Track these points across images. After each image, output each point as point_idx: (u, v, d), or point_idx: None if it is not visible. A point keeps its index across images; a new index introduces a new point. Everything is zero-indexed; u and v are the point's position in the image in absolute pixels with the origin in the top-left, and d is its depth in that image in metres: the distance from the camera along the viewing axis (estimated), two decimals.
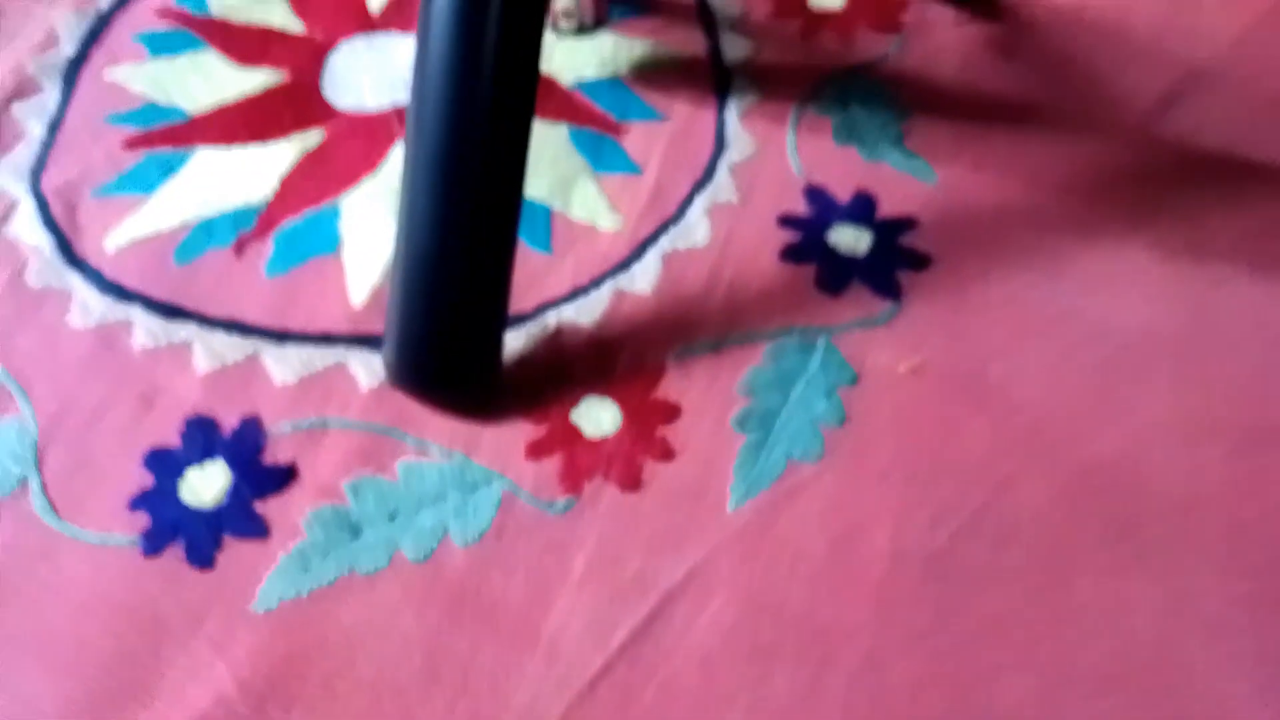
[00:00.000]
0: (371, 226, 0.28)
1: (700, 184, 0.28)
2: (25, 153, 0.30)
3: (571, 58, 0.30)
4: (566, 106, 0.30)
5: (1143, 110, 0.29)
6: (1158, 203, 0.26)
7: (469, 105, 0.22)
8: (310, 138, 0.30)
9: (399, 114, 0.30)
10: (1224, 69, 0.30)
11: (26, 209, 0.29)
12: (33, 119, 0.31)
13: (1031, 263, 0.25)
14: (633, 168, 0.28)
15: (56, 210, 0.29)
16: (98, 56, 0.33)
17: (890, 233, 0.26)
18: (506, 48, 0.22)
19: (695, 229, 0.27)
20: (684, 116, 0.30)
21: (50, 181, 0.30)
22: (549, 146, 0.28)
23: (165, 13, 0.34)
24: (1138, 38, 0.31)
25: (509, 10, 0.22)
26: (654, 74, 0.31)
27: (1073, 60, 0.30)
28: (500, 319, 0.23)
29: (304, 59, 0.32)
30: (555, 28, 0.30)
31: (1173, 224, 0.26)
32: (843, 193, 0.27)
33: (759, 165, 0.28)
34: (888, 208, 0.27)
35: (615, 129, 0.29)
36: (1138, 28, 0.31)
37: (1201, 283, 0.25)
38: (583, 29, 0.30)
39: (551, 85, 0.30)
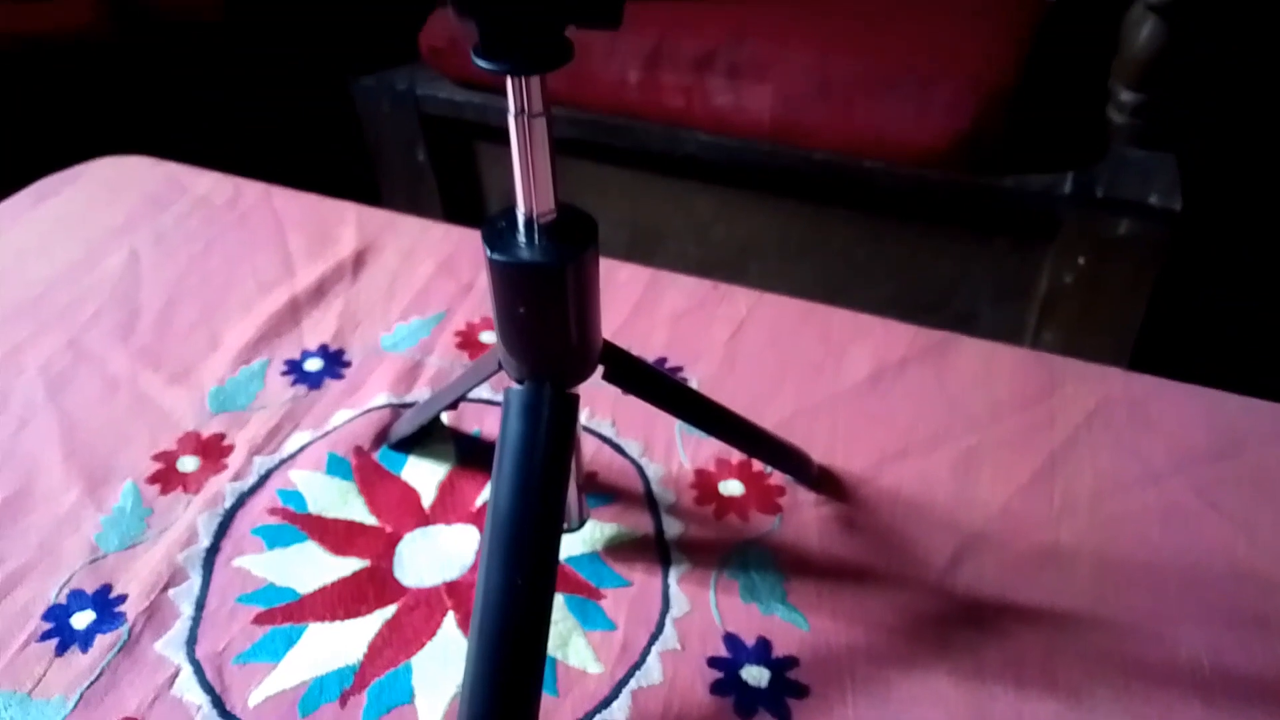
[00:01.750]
0: (436, 679, 0.40)
1: (654, 636, 0.42)
2: (181, 629, 0.43)
3: (564, 542, 0.45)
4: (562, 579, 0.44)
5: (939, 567, 0.44)
6: (949, 640, 0.41)
7: (511, 596, 0.35)
8: (387, 611, 0.43)
9: (448, 588, 0.44)
10: (995, 531, 0.46)
11: (186, 674, 0.41)
12: (184, 601, 0.44)
13: (872, 689, 0.39)
14: (609, 625, 0.42)
15: (209, 674, 0.41)
16: (227, 547, 0.47)
17: (781, 669, 0.40)
18: (538, 562, 0.36)
19: (652, 671, 0.40)
20: (641, 582, 0.44)
21: (202, 650, 0.42)
22: (553, 611, 0.42)
23: (274, 510, 0.49)
24: (936, 507, 0.47)
25: (541, 539, 0.36)
26: (619, 549, 0.46)
27: (892, 529, 0.46)
28: None
29: (380, 548, 0.46)
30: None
31: (962, 652, 0.40)
32: (749, 638, 0.41)
33: (692, 619, 0.42)
34: (779, 650, 0.41)
35: (596, 595, 0.44)
36: (936, 499, 0.47)
37: (983, 697, 0.39)
38: (570, 530, 0.45)
39: None
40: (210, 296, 0.63)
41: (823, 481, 0.48)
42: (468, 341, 0.59)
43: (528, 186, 0.33)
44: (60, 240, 0.69)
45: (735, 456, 0.49)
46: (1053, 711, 0.38)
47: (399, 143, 1.08)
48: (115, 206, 0.73)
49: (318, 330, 0.60)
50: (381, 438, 0.52)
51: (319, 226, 0.69)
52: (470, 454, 0.51)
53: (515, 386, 0.37)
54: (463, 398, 0.49)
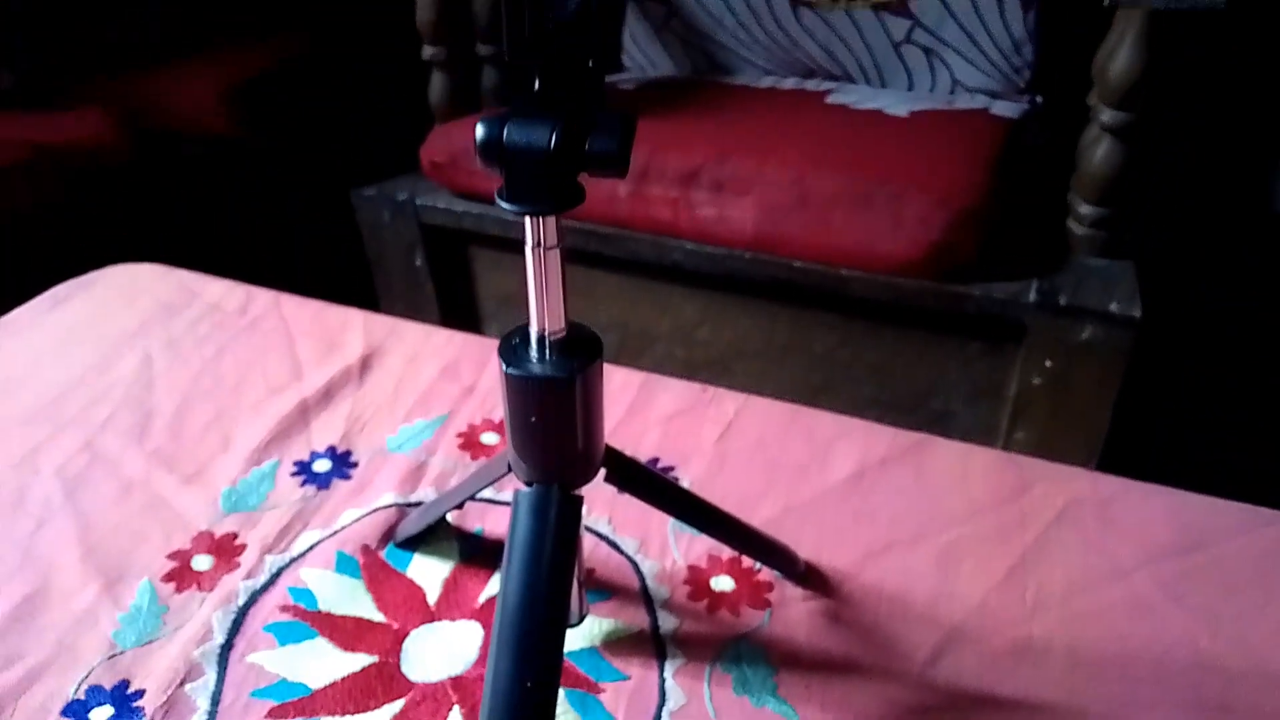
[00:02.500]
0: None
1: None
2: None
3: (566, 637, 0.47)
4: (563, 673, 0.46)
5: (921, 660, 0.46)
6: None
7: (519, 690, 0.38)
8: (395, 706, 0.45)
9: (454, 683, 0.46)
10: (973, 625, 0.48)
11: None
12: (200, 696, 0.46)
13: None
14: (609, 718, 0.44)
15: None
16: (241, 644, 0.49)
17: None
18: (545, 657, 0.38)
19: None
20: (638, 676, 0.46)
21: None
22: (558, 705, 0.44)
23: (286, 607, 0.51)
24: (917, 602, 0.50)
25: (548, 634, 0.38)
26: (617, 644, 0.48)
27: (876, 623, 0.48)
28: None
29: (388, 644, 0.48)
30: None
31: None
32: None
33: (688, 712, 0.44)
34: None
35: (596, 689, 0.46)
36: (917, 594, 0.50)
37: None
38: (572, 625, 0.47)
39: None
40: (222, 399, 0.66)
41: (809, 577, 0.50)
42: (469, 442, 0.62)
43: (541, 308, 0.37)
44: (76, 345, 0.72)
45: (726, 553, 0.52)
46: None
47: (399, 248, 1.12)
48: (129, 312, 0.76)
49: (326, 432, 0.63)
50: (388, 536, 0.54)
51: (326, 332, 0.73)
52: (473, 552, 0.54)
53: (525, 489, 0.40)
54: (470, 498, 0.52)
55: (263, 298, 0.77)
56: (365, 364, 0.69)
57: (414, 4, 1.12)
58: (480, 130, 0.33)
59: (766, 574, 0.51)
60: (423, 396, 0.66)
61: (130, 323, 0.75)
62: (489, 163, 0.33)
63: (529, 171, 0.33)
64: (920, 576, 0.51)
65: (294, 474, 0.59)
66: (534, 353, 0.38)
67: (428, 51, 1.14)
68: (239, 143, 1.27)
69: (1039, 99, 1.22)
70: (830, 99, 1.21)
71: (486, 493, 0.56)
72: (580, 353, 0.38)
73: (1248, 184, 1.51)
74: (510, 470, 0.42)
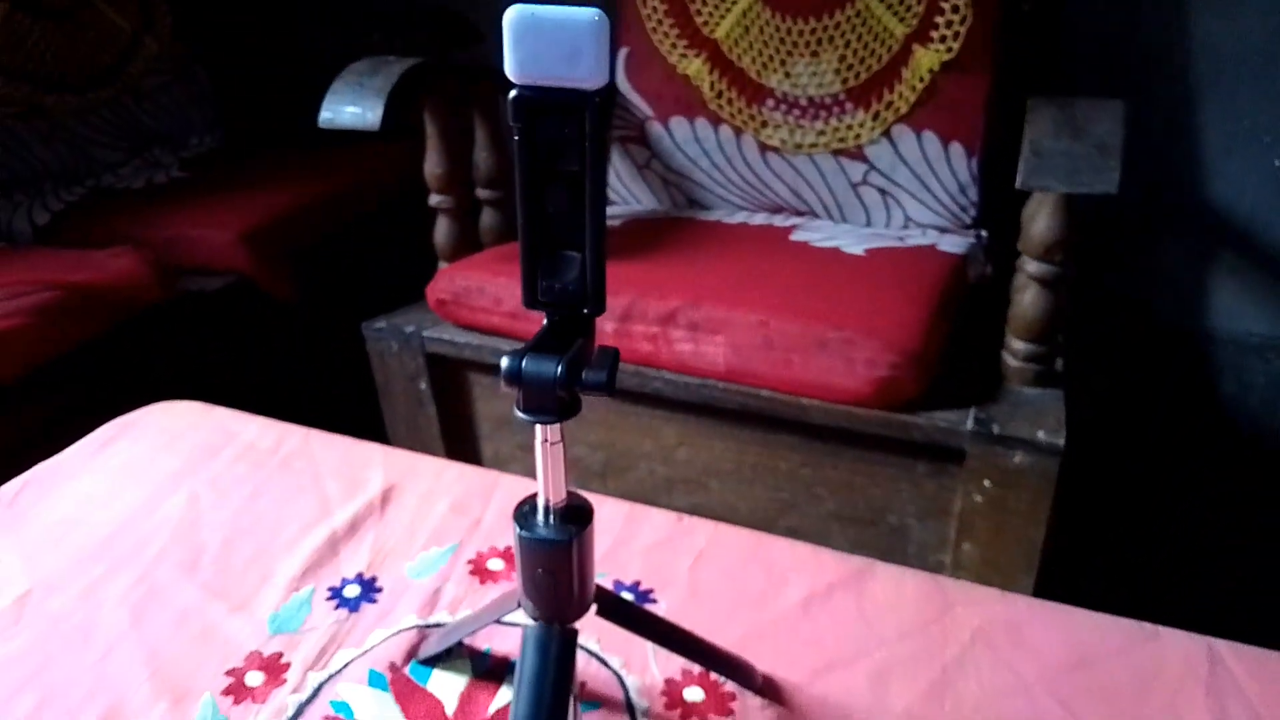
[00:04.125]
0: None
1: None
2: None
3: None
4: None
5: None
6: None
7: None
8: None
9: None
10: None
11: None
12: None
13: None
14: None
15: None
16: None
17: None
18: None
19: None
20: None
21: None
22: None
23: (328, 719, 0.60)
24: (855, 712, 0.59)
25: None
26: None
27: None
28: None
29: None
30: None
31: None
32: None
33: None
34: None
35: None
36: (855, 705, 0.60)
37: None
38: None
39: None
40: (261, 535, 0.76)
41: (767, 690, 0.60)
42: (478, 569, 0.72)
43: (548, 485, 0.48)
44: (125, 485, 0.82)
45: (696, 669, 0.62)
46: None
47: (404, 375, 1.24)
48: (171, 452, 0.87)
49: (353, 561, 0.73)
50: (411, 654, 0.64)
51: (350, 469, 0.83)
52: (484, 668, 0.63)
53: (532, 624, 0.51)
54: (484, 625, 0.62)
55: (293, 436, 0.88)
56: (385, 498, 0.80)
57: (421, 157, 1.25)
58: (505, 363, 0.44)
59: (731, 687, 0.61)
60: (436, 528, 0.76)
61: (173, 463, 0.85)
62: (511, 385, 0.44)
63: (539, 394, 0.44)
64: (857, 691, 0.61)
65: (328, 599, 0.69)
66: (540, 519, 0.49)
67: (434, 199, 1.27)
68: (256, 281, 1.40)
69: (984, 234, 1.37)
70: (794, 236, 1.35)
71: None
72: (577, 519, 0.49)
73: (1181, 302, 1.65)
74: (518, 608, 0.53)
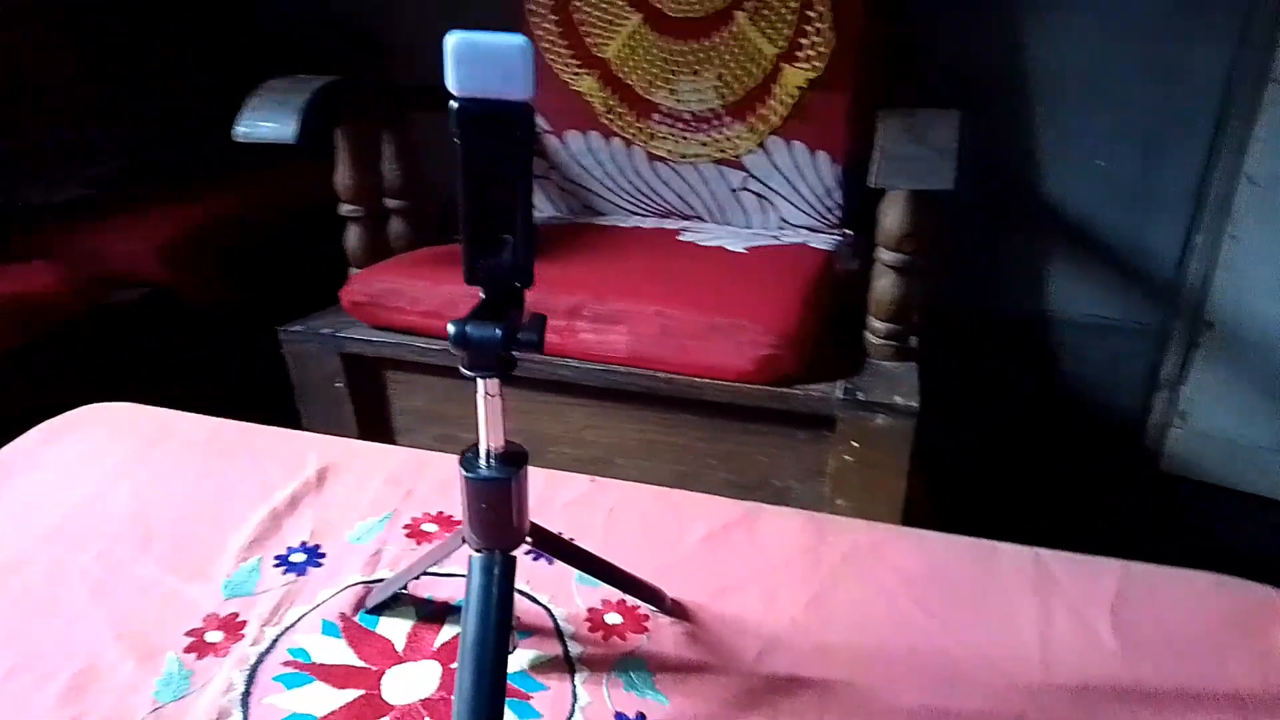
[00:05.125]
0: None
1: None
2: None
3: None
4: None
5: (750, 660, 0.67)
6: (758, 704, 0.64)
7: (479, 695, 0.56)
8: None
9: (424, 704, 0.64)
10: (786, 635, 0.70)
11: None
12: None
13: None
14: (537, 715, 0.63)
15: None
16: (256, 691, 0.65)
17: None
18: (498, 670, 0.57)
19: None
20: (556, 688, 0.65)
21: None
22: None
23: (287, 663, 0.68)
24: (748, 623, 0.71)
25: (499, 656, 0.57)
26: (540, 666, 0.67)
27: (721, 638, 0.69)
28: None
29: (370, 682, 0.65)
30: None
31: (764, 707, 0.63)
32: (631, 714, 0.63)
33: (593, 707, 0.63)
34: (651, 718, 0.63)
35: (526, 697, 0.64)
36: (748, 618, 0.71)
37: None
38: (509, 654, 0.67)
39: None
40: (207, 515, 0.82)
41: (675, 610, 0.71)
42: (415, 532, 0.81)
43: (488, 433, 0.58)
44: (76, 474, 0.87)
45: (615, 597, 0.72)
46: None
47: (321, 375, 1.30)
48: (116, 444, 0.92)
49: (297, 532, 0.80)
50: (359, 605, 0.72)
51: (287, 455, 0.90)
52: (426, 612, 0.72)
53: (476, 555, 0.60)
54: (426, 571, 0.71)
55: (229, 429, 0.94)
56: (321, 477, 0.87)
57: (331, 168, 1.32)
58: (452, 329, 0.54)
59: (644, 610, 0.71)
60: (373, 500, 0.84)
61: (118, 454, 0.90)
62: (458, 347, 0.54)
63: (484, 354, 0.54)
64: (751, 607, 0.72)
65: (276, 565, 0.77)
66: (483, 462, 0.59)
67: (344, 209, 1.34)
68: (174, 291, 1.43)
69: (849, 232, 1.52)
70: (682, 237, 1.47)
71: (436, 570, 0.75)
72: (514, 462, 0.59)
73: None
74: (462, 544, 0.62)
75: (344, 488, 0.86)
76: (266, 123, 1.09)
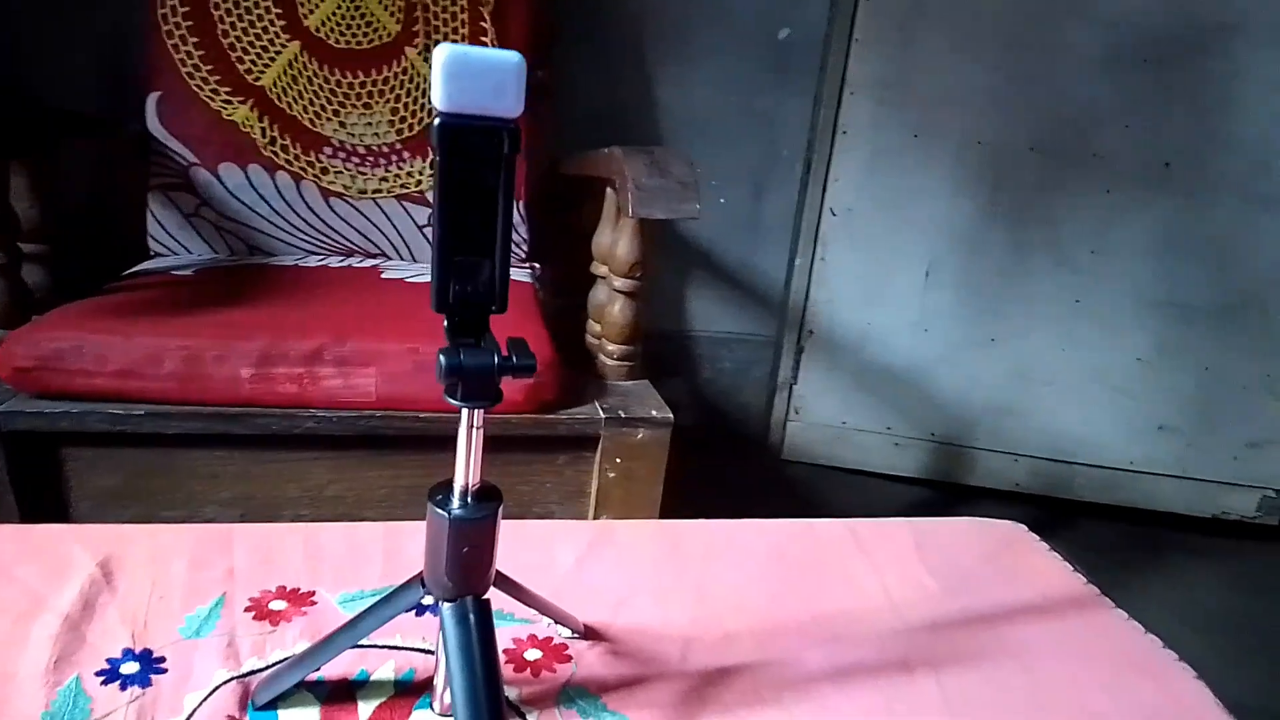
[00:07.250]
0: None
1: None
2: None
3: None
4: None
5: (677, 661, 0.70)
6: (688, 696, 0.67)
7: None
8: None
9: None
10: (701, 624, 0.74)
11: None
12: None
13: None
14: None
15: None
16: None
17: None
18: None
19: None
20: None
21: None
22: None
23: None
24: (669, 627, 0.73)
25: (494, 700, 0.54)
26: None
27: (637, 647, 0.71)
28: None
29: None
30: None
31: (694, 690, 0.67)
32: None
33: None
34: None
35: None
36: (672, 624, 0.74)
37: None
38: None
39: None
40: None
41: (588, 633, 0.71)
42: (263, 613, 0.70)
43: (466, 470, 0.54)
44: None
45: (526, 634, 0.70)
46: (760, 714, 0.66)
47: None
48: None
49: (111, 639, 0.65)
50: (243, 703, 0.62)
51: (40, 553, 0.72)
52: (325, 695, 0.63)
53: (449, 604, 0.56)
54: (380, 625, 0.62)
55: None
56: (107, 572, 0.71)
57: None
58: (444, 359, 0.50)
59: (557, 639, 0.71)
60: (188, 587, 0.71)
61: None
62: (452, 378, 0.50)
63: (480, 383, 0.51)
64: (651, 615, 0.75)
65: (104, 682, 0.62)
66: (457, 501, 0.55)
67: None
68: None
69: (536, 265, 1.58)
70: (385, 274, 1.42)
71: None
72: (494, 497, 0.56)
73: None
74: (425, 592, 0.57)
75: (143, 580, 0.71)
76: None
